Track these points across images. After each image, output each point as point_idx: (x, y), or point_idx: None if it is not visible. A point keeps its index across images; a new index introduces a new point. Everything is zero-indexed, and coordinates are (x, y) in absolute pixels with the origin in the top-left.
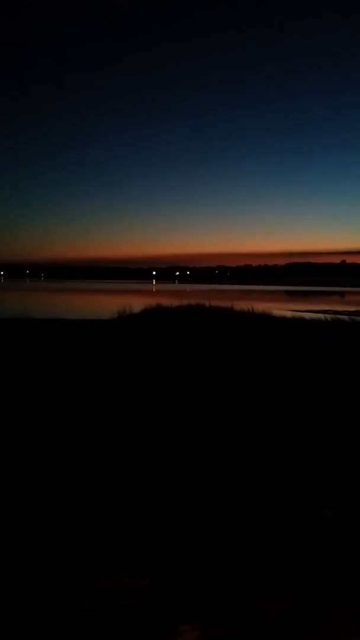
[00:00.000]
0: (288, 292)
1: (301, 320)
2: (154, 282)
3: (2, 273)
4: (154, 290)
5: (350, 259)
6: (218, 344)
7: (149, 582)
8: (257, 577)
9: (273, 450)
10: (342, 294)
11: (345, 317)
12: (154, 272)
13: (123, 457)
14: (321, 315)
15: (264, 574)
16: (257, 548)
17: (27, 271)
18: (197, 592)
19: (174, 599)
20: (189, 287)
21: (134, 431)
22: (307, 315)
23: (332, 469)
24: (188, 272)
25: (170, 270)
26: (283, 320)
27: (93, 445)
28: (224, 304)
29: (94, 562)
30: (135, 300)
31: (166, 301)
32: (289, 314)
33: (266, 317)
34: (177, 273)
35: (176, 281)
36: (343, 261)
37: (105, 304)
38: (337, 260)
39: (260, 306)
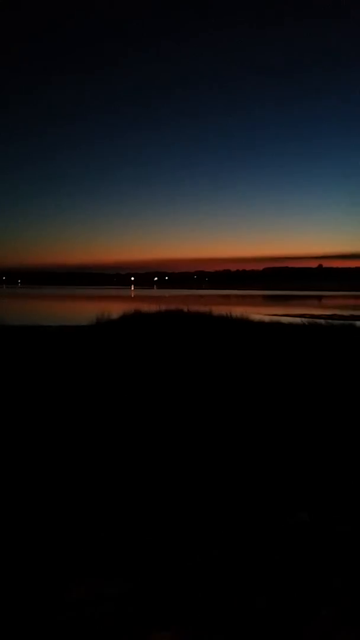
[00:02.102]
0: (266, 297)
1: (279, 324)
2: (132, 288)
3: None
4: (132, 295)
5: (326, 263)
6: (197, 348)
7: (123, 588)
8: (233, 582)
9: (251, 453)
10: (319, 297)
11: (322, 321)
12: (132, 278)
13: (98, 464)
14: (298, 319)
15: (240, 579)
16: (232, 553)
17: (4, 277)
18: (172, 599)
19: (149, 605)
20: (167, 292)
21: (111, 438)
22: (285, 319)
23: (309, 471)
24: (167, 278)
25: (148, 275)
26: (261, 324)
27: (68, 454)
28: (203, 308)
29: (69, 569)
30: (113, 306)
31: (145, 306)
32: (267, 318)
33: (245, 322)
34: (156, 278)
35: (155, 286)
36: (320, 265)
37: (84, 310)
38: (314, 264)
39: (239, 311)
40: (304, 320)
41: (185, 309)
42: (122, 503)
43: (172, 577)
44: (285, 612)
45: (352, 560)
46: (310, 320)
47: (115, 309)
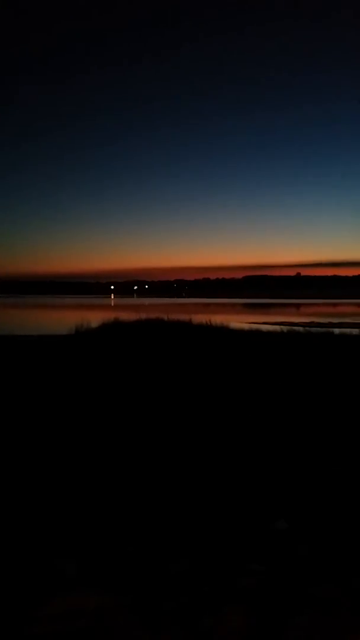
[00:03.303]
0: (245, 305)
1: (258, 332)
2: (112, 297)
3: None
4: (112, 304)
5: (304, 272)
6: (177, 356)
7: (99, 601)
8: (210, 592)
9: (228, 462)
10: (297, 306)
11: (301, 329)
12: (112, 287)
13: (72, 475)
14: (278, 327)
15: (217, 588)
16: (211, 561)
17: None
18: (147, 611)
19: (125, 616)
20: (147, 301)
21: (87, 449)
22: (265, 328)
23: (287, 479)
24: (146, 286)
25: (128, 284)
26: (241, 332)
27: (40, 465)
28: (183, 317)
29: (46, 581)
30: (93, 315)
31: (125, 315)
32: (246, 326)
33: (224, 330)
34: (136, 287)
35: (135, 295)
36: (298, 274)
37: (63, 319)
38: (292, 273)
39: (219, 319)
40: (283, 328)
41: (165, 318)
42: (99, 514)
43: (146, 591)
44: (261, 622)
45: (328, 569)
46: (289, 328)
47: (95, 318)
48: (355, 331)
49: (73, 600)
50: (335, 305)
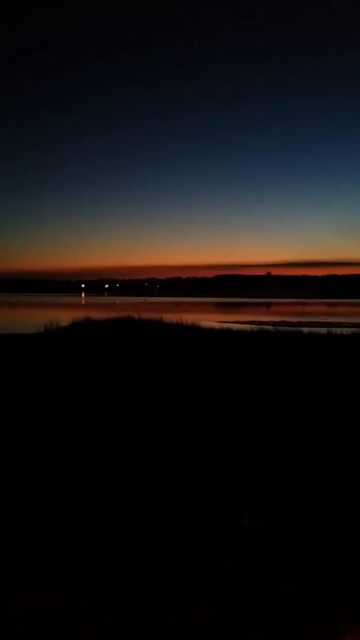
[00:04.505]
0: (217, 304)
1: (229, 331)
2: (83, 295)
3: None
4: (83, 303)
5: (275, 271)
6: (147, 355)
7: (69, 601)
8: (176, 589)
9: (199, 462)
10: (268, 305)
11: (271, 328)
12: (83, 285)
13: (38, 480)
14: (248, 326)
15: (184, 585)
16: (176, 558)
17: None
18: (114, 610)
19: (92, 616)
20: (118, 299)
21: (50, 450)
22: (235, 327)
23: (253, 476)
24: (118, 285)
25: (99, 283)
26: (211, 331)
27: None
28: (154, 316)
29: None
30: (63, 314)
31: (96, 314)
32: (217, 325)
33: (195, 329)
34: (107, 286)
35: (106, 294)
36: (268, 273)
37: (32, 317)
38: (262, 272)
39: (190, 318)
40: (253, 327)
41: (136, 316)
42: (55, 519)
43: (111, 588)
44: (227, 617)
45: (291, 565)
46: (259, 327)
47: (66, 317)
48: (323, 330)
49: (40, 600)
50: (304, 304)
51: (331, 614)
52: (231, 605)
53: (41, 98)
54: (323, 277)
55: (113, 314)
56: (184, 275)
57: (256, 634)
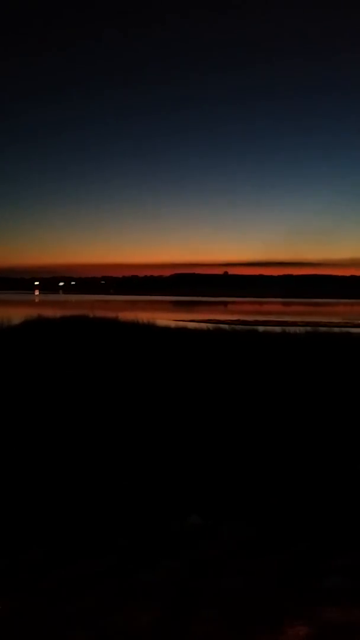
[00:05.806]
0: (173, 302)
1: (185, 329)
2: (36, 293)
3: None
4: (37, 301)
5: (232, 271)
6: (102, 354)
7: (11, 604)
8: (122, 588)
9: (145, 461)
10: (225, 304)
11: (226, 326)
12: (37, 282)
13: None
14: (204, 325)
15: (129, 584)
16: (122, 558)
17: None
18: (57, 611)
19: (33, 618)
20: (74, 297)
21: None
22: (191, 325)
23: (203, 475)
24: (73, 283)
25: (54, 280)
26: (168, 330)
27: None
28: (110, 314)
29: None
30: (15, 312)
31: (50, 312)
32: (173, 324)
33: (151, 327)
34: (62, 283)
35: (61, 292)
36: (225, 272)
37: None
38: (220, 271)
39: (146, 316)
40: (210, 325)
41: (91, 315)
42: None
43: (58, 588)
44: (171, 616)
45: (236, 561)
46: (215, 325)
47: (17, 315)
48: (278, 329)
49: None
50: (261, 303)
51: (273, 609)
52: (176, 604)
53: None
54: (279, 277)
55: (68, 312)
56: (141, 273)
57: (200, 631)
